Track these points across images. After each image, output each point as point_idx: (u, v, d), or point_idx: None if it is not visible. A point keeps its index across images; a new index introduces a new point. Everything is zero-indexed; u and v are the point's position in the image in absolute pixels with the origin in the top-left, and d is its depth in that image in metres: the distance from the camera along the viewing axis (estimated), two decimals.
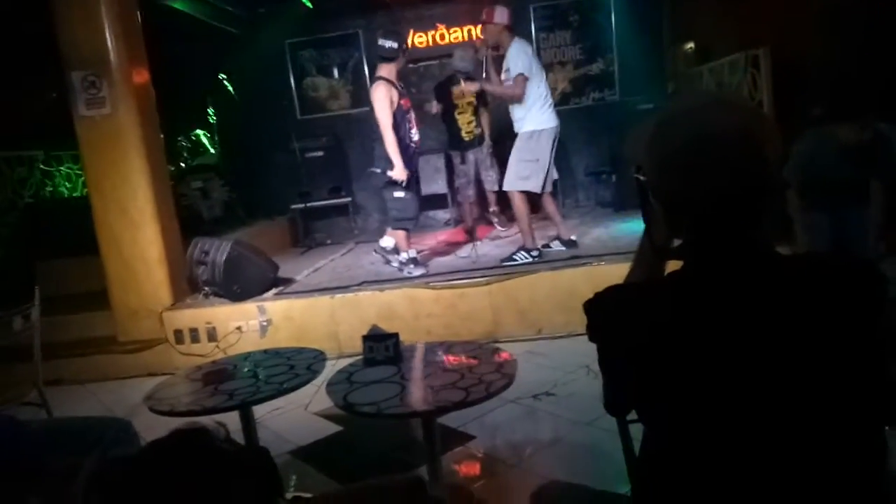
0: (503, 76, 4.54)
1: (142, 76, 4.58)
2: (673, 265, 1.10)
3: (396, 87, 4.44)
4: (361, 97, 7.38)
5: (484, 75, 4.72)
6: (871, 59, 4.56)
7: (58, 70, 4.45)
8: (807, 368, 0.94)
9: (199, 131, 6.56)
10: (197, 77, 6.52)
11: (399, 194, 4.50)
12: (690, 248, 1.05)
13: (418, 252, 4.96)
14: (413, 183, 4.59)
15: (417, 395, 2.01)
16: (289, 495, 2.37)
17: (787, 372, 0.94)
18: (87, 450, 2.04)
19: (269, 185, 7.21)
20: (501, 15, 4.48)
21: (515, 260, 4.52)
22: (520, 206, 4.52)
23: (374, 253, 5.06)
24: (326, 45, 7.36)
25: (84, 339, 4.60)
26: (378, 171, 4.52)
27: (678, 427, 1.00)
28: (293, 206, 7.06)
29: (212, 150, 6.61)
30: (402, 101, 4.46)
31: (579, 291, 4.04)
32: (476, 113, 5.89)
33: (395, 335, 2.34)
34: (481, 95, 5.94)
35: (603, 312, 1.07)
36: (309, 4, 6.32)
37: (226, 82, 6.64)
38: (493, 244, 5.50)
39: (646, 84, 6.68)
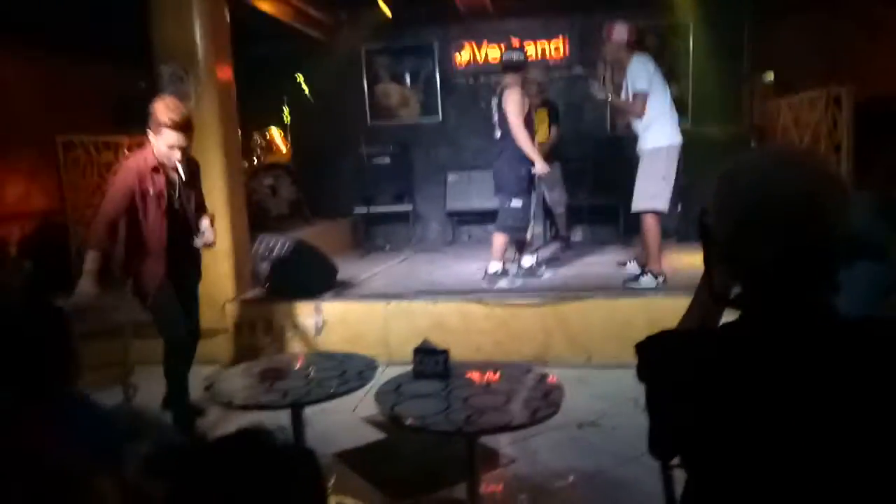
0: (623, 94, 4.48)
1: (225, 73, 4.79)
2: (730, 312, 1.10)
3: (525, 97, 4.60)
4: (431, 106, 7.52)
5: (609, 95, 4.69)
6: None
7: (145, 60, 4.67)
8: (855, 437, 0.93)
9: (273, 129, 6.79)
10: (276, 76, 6.76)
11: (517, 204, 4.57)
12: (747, 301, 1.06)
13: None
14: (529, 196, 4.68)
15: (462, 415, 2.04)
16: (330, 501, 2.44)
17: (833, 439, 0.93)
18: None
19: (334, 186, 7.40)
20: (621, 32, 4.42)
21: (640, 283, 4.36)
22: (651, 225, 4.35)
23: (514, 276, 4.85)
24: (401, 53, 7.52)
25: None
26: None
27: (719, 478, 1.00)
28: (356, 210, 7.22)
29: (284, 149, 6.83)
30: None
31: (634, 322, 4.00)
32: (548, 130, 5.90)
33: (446, 352, 2.38)
34: (554, 113, 5.95)
35: (655, 355, 1.08)
36: (388, 13, 6.47)
37: (302, 83, 6.86)
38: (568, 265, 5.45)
39: (720, 113, 6.54)
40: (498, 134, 4.65)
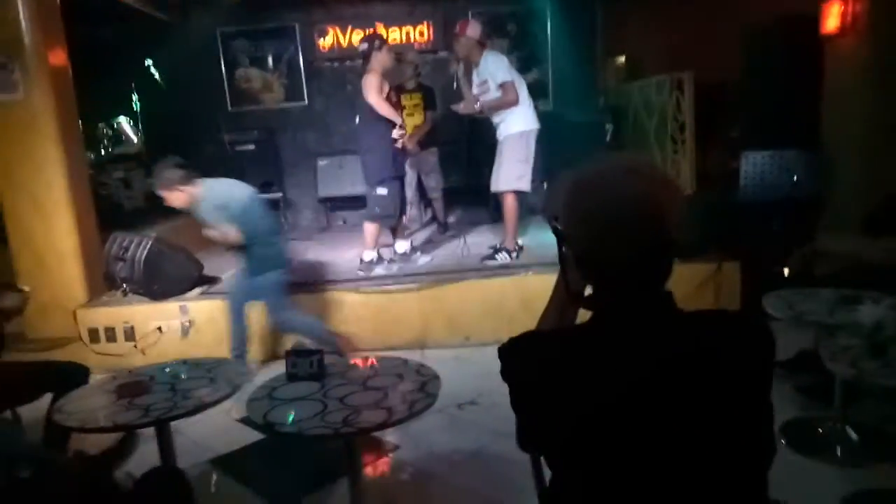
0: (476, 89, 4.61)
1: (59, 59, 4.34)
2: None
3: (385, 81, 4.54)
4: (296, 91, 7.28)
5: (455, 86, 4.75)
6: (786, 88, 4.84)
7: None
8: (700, 419, 1.01)
9: (122, 118, 6.26)
10: (122, 62, 6.23)
11: (382, 191, 4.53)
12: (599, 300, 1.12)
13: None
14: (397, 182, 4.65)
15: (339, 416, 2.01)
16: None
17: (682, 424, 1.01)
18: None
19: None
20: (474, 29, 4.56)
21: (496, 259, 4.60)
22: (513, 206, 4.62)
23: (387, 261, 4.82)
24: (261, 37, 7.19)
25: None
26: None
27: (580, 473, 1.06)
28: None
29: (135, 139, 6.33)
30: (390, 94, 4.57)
31: (508, 300, 4.15)
32: (423, 116, 5.89)
33: (320, 351, 2.33)
34: (430, 98, 5.93)
35: (517, 358, 1.12)
36: None
37: (153, 69, 6.37)
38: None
39: (579, 96, 6.86)
40: (357, 120, 4.60)
